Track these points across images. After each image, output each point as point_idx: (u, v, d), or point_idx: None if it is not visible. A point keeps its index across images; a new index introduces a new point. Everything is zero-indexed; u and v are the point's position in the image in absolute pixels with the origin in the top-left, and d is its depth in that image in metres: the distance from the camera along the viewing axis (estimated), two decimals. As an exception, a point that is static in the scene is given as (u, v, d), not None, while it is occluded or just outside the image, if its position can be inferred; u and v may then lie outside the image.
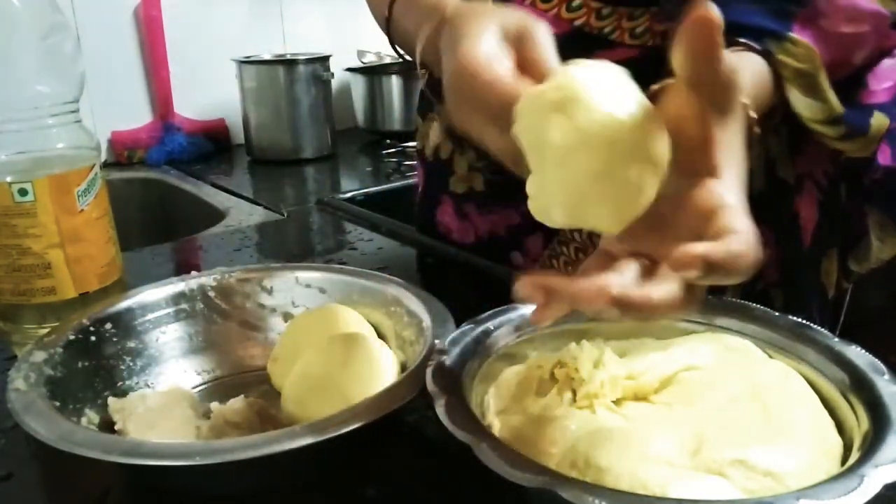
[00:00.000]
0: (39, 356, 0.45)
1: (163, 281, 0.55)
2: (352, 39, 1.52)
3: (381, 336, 0.52)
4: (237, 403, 0.45)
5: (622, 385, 0.41)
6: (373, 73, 1.45)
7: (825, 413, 0.39)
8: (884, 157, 0.60)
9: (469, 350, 0.43)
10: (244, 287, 0.56)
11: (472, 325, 0.45)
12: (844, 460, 0.36)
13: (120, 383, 0.49)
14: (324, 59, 1.36)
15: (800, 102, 0.51)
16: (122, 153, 1.34)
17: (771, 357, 0.44)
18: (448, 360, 0.41)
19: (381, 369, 0.46)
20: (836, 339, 0.42)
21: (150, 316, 0.52)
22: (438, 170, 0.75)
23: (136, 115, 1.37)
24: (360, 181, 1.26)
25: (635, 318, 0.31)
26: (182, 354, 0.53)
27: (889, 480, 0.31)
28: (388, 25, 0.60)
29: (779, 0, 0.50)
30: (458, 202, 0.74)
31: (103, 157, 1.32)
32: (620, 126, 0.32)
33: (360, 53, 1.52)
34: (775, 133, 0.62)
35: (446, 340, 0.43)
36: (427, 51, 0.50)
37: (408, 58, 0.63)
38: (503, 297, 0.48)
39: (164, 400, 0.45)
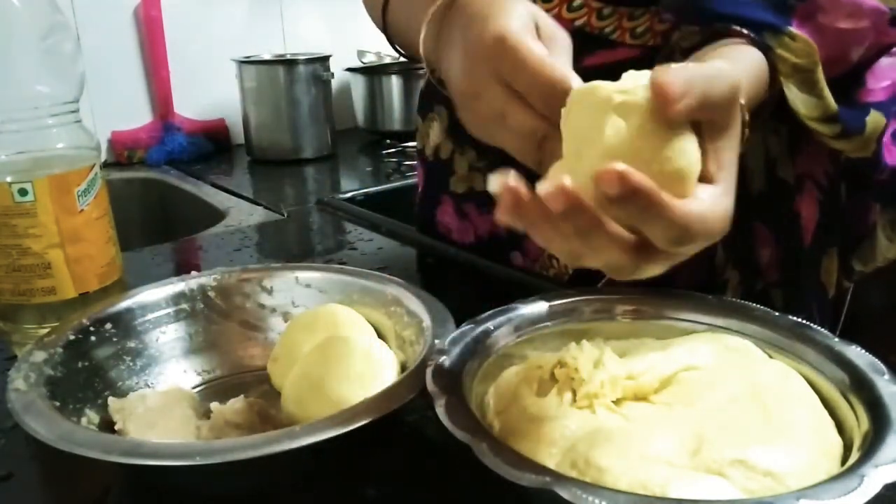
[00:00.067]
0: (39, 356, 0.45)
1: (163, 281, 0.55)
2: (352, 39, 1.52)
3: (381, 336, 0.52)
4: (237, 403, 0.45)
5: (622, 385, 0.41)
6: (373, 73, 1.45)
7: (825, 413, 0.39)
8: (891, 158, 0.59)
9: (469, 350, 0.43)
10: (244, 287, 0.56)
11: (472, 325, 0.45)
12: (844, 460, 0.36)
13: (120, 383, 0.49)
14: (324, 59, 1.36)
15: (796, 99, 0.51)
16: (122, 153, 1.34)
17: (771, 357, 0.44)
18: (448, 360, 0.41)
19: (380, 369, 0.46)
20: (836, 339, 0.42)
21: (150, 316, 0.52)
22: (438, 170, 0.75)
23: (136, 115, 1.37)
24: (360, 181, 1.26)
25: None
26: (182, 354, 0.53)
27: (889, 480, 0.31)
28: (384, 23, 0.60)
29: None
30: (458, 202, 0.74)
31: (103, 157, 1.32)
32: (667, 145, 0.34)
33: (360, 53, 1.52)
34: (775, 133, 0.62)
35: (446, 340, 0.43)
36: (429, 37, 0.50)
37: (405, 55, 0.64)
38: (503, 297, 0.48)
39: (164, 400, 0.45)
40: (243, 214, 1.00)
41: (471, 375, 0.41)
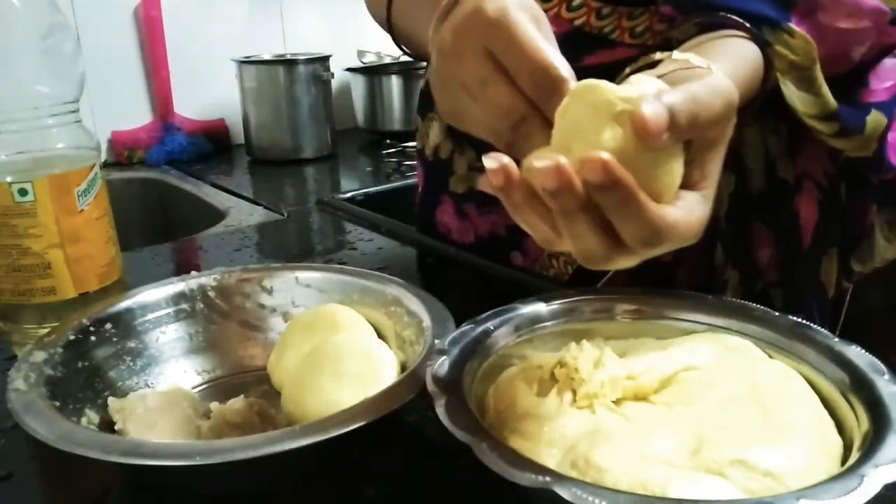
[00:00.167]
0: (39, 356, 0.45)
1: (163, 281, 0.55)
2: (352, 39, 1.52)
3: (381, 336, 0.52)
4: (237, 403, 0.45)
5: (622, 385, 0.41)
6: (373, 73, 1.46)
7: (825, 413, 0.39)
8: None
9: (469, 350, 0.43)
10: (244, 287, 0.56)
11: (472, 325, 0.45)
12: (844, 460, 0.36)
13: (120, 383, 0.49)
14: (324, 59, 1.36)
15: (793, 96, 0.51)
16: (122, 153, 1.34)
17: (771, 357, 0.44)
18: (448, 360, 0.41)
19: (380, 369, 0.46)
20: (836, 339, 0.42)
21: (150, 316, 0.52)
22: (438, 170, 0.75)
23: (136, 115, 1.37)
24: (360, 181, 1.26)
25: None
26: (182, 354, 0.53)
27: (889, 480, 0.31)
28: (388, 22, 0.60)
29: None
30: (458, 202, 0.74)
31: (103, 157, 1.32)
32: (657, 164, 0.34)
33: (360, 53, 1.52)
34: (775, 133, 0.62)
35: (446, 340, 0.43)
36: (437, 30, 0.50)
37: (410, 54, 0.63)
38: (503, 297, 0.48)
39: (164, 400, 0.45)
40: (243, 214, 1.00)
41: (471, 375, 0.41)
